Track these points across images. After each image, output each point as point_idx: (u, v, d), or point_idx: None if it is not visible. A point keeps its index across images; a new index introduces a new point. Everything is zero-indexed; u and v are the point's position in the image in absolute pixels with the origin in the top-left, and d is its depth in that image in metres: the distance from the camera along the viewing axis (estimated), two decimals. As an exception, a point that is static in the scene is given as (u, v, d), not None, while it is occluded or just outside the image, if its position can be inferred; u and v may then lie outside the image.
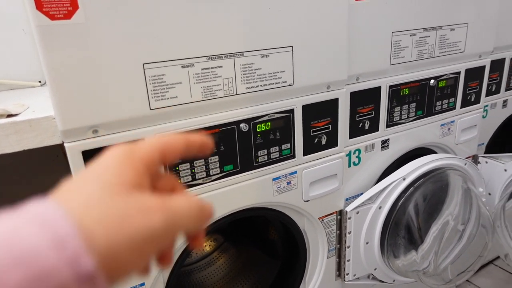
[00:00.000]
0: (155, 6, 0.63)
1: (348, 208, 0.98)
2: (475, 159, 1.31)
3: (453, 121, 1.20)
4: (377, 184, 1.02)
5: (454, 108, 1.18)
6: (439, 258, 1.04)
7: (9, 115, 0.71)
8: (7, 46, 1.03)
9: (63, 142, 0.71)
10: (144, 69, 0.65)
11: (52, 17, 0.56)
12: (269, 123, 0.81)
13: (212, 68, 0.71)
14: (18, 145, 0.67)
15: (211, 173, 0.77)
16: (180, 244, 0.78)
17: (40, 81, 1.09)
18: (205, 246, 1.34)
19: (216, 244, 1.35)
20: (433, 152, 1.21)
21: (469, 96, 1.21)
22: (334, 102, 0.89)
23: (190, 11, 0.66)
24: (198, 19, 0.67)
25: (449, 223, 1.07)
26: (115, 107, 0.64)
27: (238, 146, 0.79)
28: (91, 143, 0.64)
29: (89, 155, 0.64)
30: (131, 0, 0.61)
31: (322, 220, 0.97)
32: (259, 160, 0.82)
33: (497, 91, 1.37)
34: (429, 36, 1.04)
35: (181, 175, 0.74)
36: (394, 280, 1.12)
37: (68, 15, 0.57)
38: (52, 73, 0.58)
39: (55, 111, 0.61)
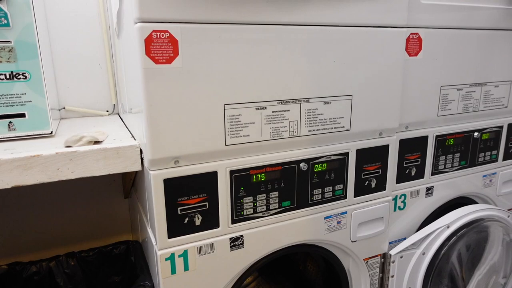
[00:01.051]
0: (238, 56, 0.71)
1: (392, 252, 1.00)
2: (515, 212, 1.32)
3: (495, 173, 1.22)
4: (421, 230, 1.04)
5: (496, 160, 1.21)
6: (483, 310, 1.04)
7: (96, 142, 0.79)
8: (84, 79, 1.14)
9: (141, 169, 0.78)
10: (224, 109, 0.72)
11: (157, 62, 0.65)
12: (325, 164, 0.87)
13: (281, 111, 0.78)
14: (105, 169, 0.75)
15: (270, 208, 0.82)
16: (238, 272, 0.82)
17: (107, 111, 1.19)
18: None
19: (252, 277, 1.37)
20: (474, 202, 1.22)
21: (511, 150, 1.24)
22: (385, 148, 0.95)
23: (266, 61, 0.74)
24: (272, 68, 0.75)
25: (492, 276, 1.07)
26: (197, 141, 0.71)
27: (296, 184, 0.84)
28: (172, 172, 0.71)
29: (169, 183, 0.71)
30: (218, 51, 0.69)
31: (367, 261, 0.99)
32: (314, 199, 0.87)
33: (538, 146, 1.39)
34: (474, 91, 1.10)
35: (244, 207, 0.79)
36: (433, 330, 1.11)
37: (169, 60, 0.66)
38: (150, 109, 0.66)
39: (147, 142, 0.68)
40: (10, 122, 0.81)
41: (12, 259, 0.98)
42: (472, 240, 1.07)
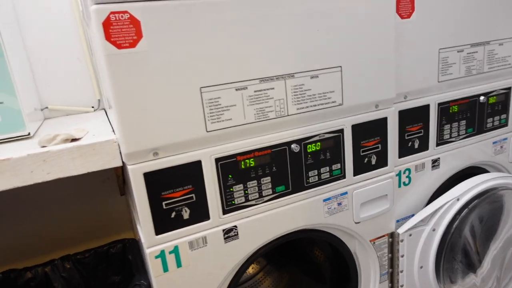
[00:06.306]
0: (211, 35, 0.65)
1: (400, 230, 0.94)
2: (530, 178, 1.24)
3: (506, 139, 1.15)
4: (429, 205, 0.98)
5: (506, 125, 1.14)
6: (501, 284, 0.98)
7: (73, 139, 0.75)
8: (63, 75, 1.10)
9: (122, 165, 0.74)
10: (201, 92, 0.67)
11: (119, 46, 0.60)
12: (319, 143, 0.81)
13: (264, 90, 0.72)
14: (83, 168, 0.70)
15: (263, 194, 0.77)
16: (235, 264, 0.77)
17: (93, 107, 1.15)
18: (249, 268, 1.33)
19: (259, 267, 1.34)
20: (485, 171, 1.16)
21: (521, 112, 1.16)
22: (383, 121, 0.88)
23: (243, 37, 0.68)
24: (250, 44, 0.69)
25: (509, 247, 1.01)
26: (175, 130, 0.66)
27: (289, 167, 0.79)
28: (152, 165, 0.66)
29: (150, 177, 0.66)
30: (188, 29, 0.63)
31: (374, 242, 0.94)
32: (310, 181, 0.82)
33: (551, 106, 1.31)
34: (477, 52, 1.02)
35: (234, 196, 0.74)
36: (450, 307, 1.06)
37: (133, 44, 0.61)
38: (118, 99, 0.61)
39: (120, 134, 0.63)
40: (-17, 126, 0.77)
41: (6, 266, 0.95)
42: (485, 212, 1.01)
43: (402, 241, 0.94)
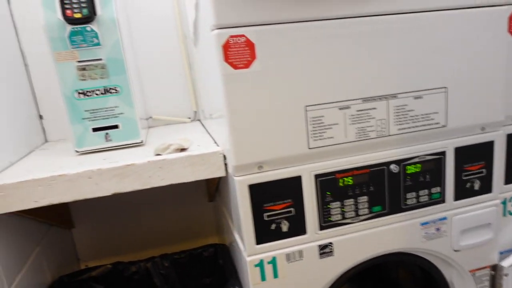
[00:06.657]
0: (317, 56, 0.67)
1: (505, 264, 0.87)
2: None
3: None
4: (540, 238, 0.90)
5: None
6: None
7: (182, 149, 0.82)
8: (166, 88, 1.20)
9: (225, 175, 0.79)
10: (306, 111, 0.69)
11: (235, 67, 0.64)
12: (419, 165, 0.79)
13: (366, 110, 0.73)
14: (192, 176, 0.76)
15: (359, 213, 0.77)
16: (329, 281, 0.78)
17: (189, 118, 1.24)
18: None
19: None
20: None
21: None
22: (489, 145, 0.83)
23: (347, 57, 0.69)
24: (354, 65, 0.70)
25: None
26: (280, 146, 0.69)
27: (387, 187, 0.77)
28: (256, 178, 0.70)
29: (254, 189, 0.70)
30: (297, 51, 0.66)
31: (474, 273, 0.88)
32: (408, 203, 0.80)
33: None
34: None
35: (331, 213, 0.75)
36: None
37: (247, 64, 0.65)
38: (231, 115, 0.66)
39: (231, 148, 0.68)
40: (107, 133, 0.88)
41: (115, 258, 1.06)
42: None
43: (506, 275, 0.87)
